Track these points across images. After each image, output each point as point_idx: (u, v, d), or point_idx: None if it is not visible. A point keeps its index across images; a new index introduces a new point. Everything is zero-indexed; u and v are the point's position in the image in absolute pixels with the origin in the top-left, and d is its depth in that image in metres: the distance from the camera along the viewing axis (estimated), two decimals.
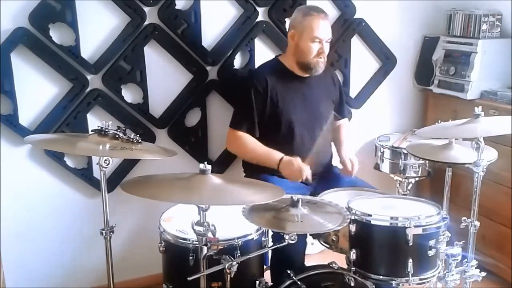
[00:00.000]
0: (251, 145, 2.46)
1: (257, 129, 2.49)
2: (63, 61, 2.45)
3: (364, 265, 2.01)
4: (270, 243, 2.04)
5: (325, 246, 2.16)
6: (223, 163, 2.81)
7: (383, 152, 2.93)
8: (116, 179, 2.61)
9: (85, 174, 2.60)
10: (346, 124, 2.80)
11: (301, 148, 2.50)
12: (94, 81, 2.54)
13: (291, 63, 2.51)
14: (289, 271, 2.03)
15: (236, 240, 1.91)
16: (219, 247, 1.80)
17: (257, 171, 2.43)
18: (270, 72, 2.51)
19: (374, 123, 3.20)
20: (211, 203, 1.67)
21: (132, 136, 1.96)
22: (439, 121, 2.32)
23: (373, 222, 1.98)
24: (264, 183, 2.01)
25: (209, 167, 1.70)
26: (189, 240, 1.91)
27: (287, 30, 2.59)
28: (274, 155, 2.40)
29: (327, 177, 2.57)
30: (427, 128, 2.37)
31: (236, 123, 2.50)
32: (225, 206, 2.08)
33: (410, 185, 2.95)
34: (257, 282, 2.02)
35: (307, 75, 2.53)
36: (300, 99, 2.51)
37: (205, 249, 1.71)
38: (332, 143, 2.72)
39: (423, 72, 3.20)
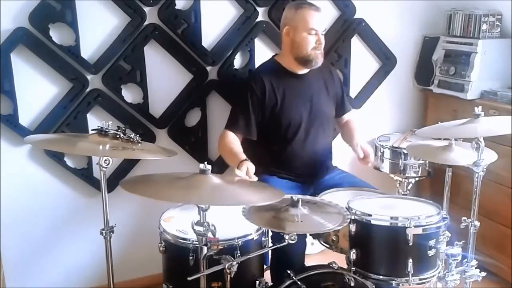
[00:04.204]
0: (228, 145, 2.43)
1: (253, 132, 2.47)
2: (63, 61, 2.45)
3: (364, 265, 2.01)
4: (270, 243, 2.04)
5: (325, 246, 2.16)
6: (223, 163, 2.80)
7: (383, 152, 2.93)
8: (116, 179, 2.61)
9: (85, 174, 2.60)
10: (353, 117, 2.78)
11: (303, 147, 2.50)
12: (94, 81, 2.54)
13: (288, 62, 2.50)
14: (289, 271, 2.03)
15: (236, 240, 1.91)
16: (219, 247, 1.79)
17: (257, 172, 2.43)
18: (268, 73, 2.50)
19: (374, 123, 3.20)
20: (210, 203, 1.67)
21: (132, 136, 1.96)
22: (439, 122, 2.31)
23: (373, 222, 1.98)
24: (263, 184, 2.01)
25: (209, 167, 1.70)
26: (189, 240, 1.91)
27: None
28: (237, 158, 2.32)
29: (327, 177, 2.57)
30: (427, 128, 2.37)
31: (228, 124, 2.49)
32: (225, 206, 2.08)
33: (410, 185, 2.94)
34: (257, 282, 2.02)
35: (305, 72, 2.52)
36: (300, 97, 2.50)
37: (205, 249, 1.70)
38: (342, 140, 2.72)
39: (423, 72, 3.20)
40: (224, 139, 2.47)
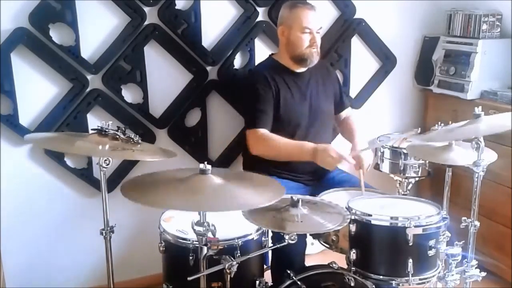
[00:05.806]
0: (280, 140, 2.38)
1: (271, 125, 2.44)
2: (63, 61, 2.45)
3: (364, 265, 2.01)
4: (270, 243, 2.04)
5: (325, 246, 2.16)
6: (223, 163, 2.81)
7: (383, 152, 2.92)
8: (116, 179, 2.61)
9: (85, 174, 2.60)
10: (352, 114, 2.76)
11: None
12: (94, 81, 2.54)
13: (285, 60, 2.50)
14: (289, 271, 2.03)
15: (236, 240, 1.91)
16: (219, 247, 1.79)
17: (256, 172, 2.42)
18: (268, 71, 2.49)
19: (374, 123, 3.20)
20: (213, 210, 1.66)
21: (132, 136, 1.95)
22: (440, 123, 2.30)
23: (373, 222, 1.98)
24: (263, 181, 1.99)
25: (209, 167, 1.70)
26: (189, 240, 1.91)
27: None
28: (307, 146, 2.34)
29: (327, 177, 2.57)
30: (431, 134, 2.33)
31: (255, 123, 2.41)
32: None
33: (410, 185, 2.94)
34: (257, 282, 2.01)
35: (303, 70, 2.52)
36: (299, 95, 2.50)
37: (205, 249, 1.70)
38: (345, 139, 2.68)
39: (423, 72, 3.20)
40: (269, 140, 2.39)
